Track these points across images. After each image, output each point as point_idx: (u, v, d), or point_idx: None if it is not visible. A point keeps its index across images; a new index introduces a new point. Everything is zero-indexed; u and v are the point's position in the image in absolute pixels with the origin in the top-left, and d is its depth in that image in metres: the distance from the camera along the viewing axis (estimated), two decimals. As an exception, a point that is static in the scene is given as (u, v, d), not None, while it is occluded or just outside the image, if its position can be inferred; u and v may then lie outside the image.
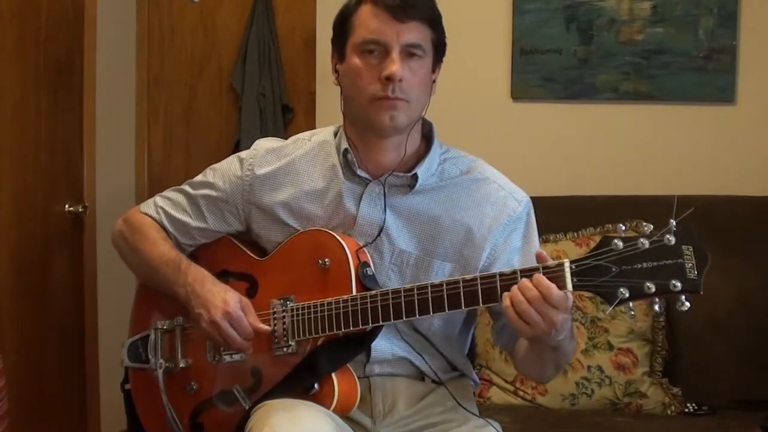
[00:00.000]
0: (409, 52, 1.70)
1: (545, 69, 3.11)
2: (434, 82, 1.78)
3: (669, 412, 2.59)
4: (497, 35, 3.14)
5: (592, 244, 2.69)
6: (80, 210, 2.97)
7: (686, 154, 3.05)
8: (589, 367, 2.62)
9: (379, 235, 1.74)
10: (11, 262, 2.68)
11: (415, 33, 1.69)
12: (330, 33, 3.31)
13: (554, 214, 2.73)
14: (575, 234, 2.78)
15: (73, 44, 3.01)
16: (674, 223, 1.48)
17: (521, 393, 2.61)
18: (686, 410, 2.59)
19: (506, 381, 2.64)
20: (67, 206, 2.94)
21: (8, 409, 2.18)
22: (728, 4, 2.97)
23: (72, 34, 3.00)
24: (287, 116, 3.59)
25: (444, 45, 1.77)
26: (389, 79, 1.68)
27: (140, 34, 3.64)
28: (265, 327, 1.73)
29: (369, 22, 1.71)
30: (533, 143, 3.16)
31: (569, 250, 2.74)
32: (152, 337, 1.88)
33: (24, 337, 2.74)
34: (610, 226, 2.77)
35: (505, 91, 3.17)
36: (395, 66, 1.68)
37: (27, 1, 2.72)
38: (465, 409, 1.79)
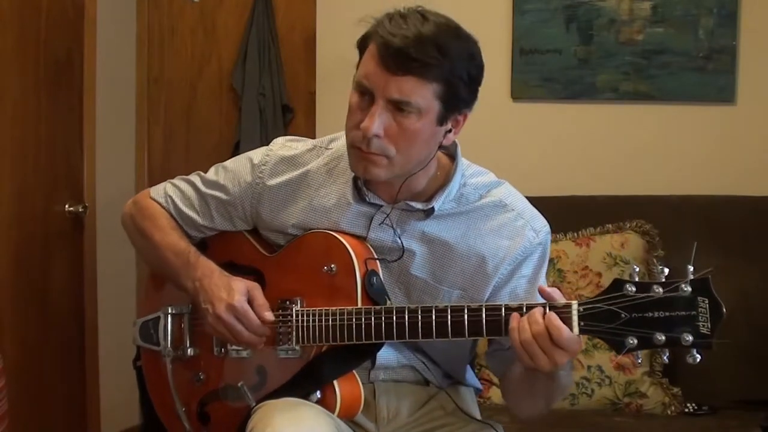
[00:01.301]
0: (397, 106, 1.58)
1: (545, 69, 3.11)
2: (450, 131, 1.66)
3: (669, 412, 2.59)
4: (497, 35, 3.14)
5: (592, 244, 2.74)
6: (80, 210, 2.97)
7: (686, 154, 3.05)
8: (589, 367, 2.62)
9: (399, 258, 1.70)
10: (11, 262, 2.68)
11: (405, 87, 1.56)
12: (329, 33, 3.31)
13: (554, 214, 2.72)
14: (575, 234, 2.78)
15: (73, 44, 3.01)
16: (692, 270, 1.42)
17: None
18: (686, 410, 2.59)
19: (506, 381, 2.65)
20: (67, 206, 2.94)
21: (8, 409, 2.18)
22: (728, 4, 2.97)
23: (72, 34, 3.00)
24: (287, 116, 3.59)
25: (463, 98, 1.62)
26: (363, 133, 1.60)
27: (140, 34, 3.64)
28: (270, 316, 1.70)
29: (367, 62, 1.61)
30: (533, 143, 3.16)
31: (569, 250, 2.74)
32: (162, 321, 1.85)
33: (24, 337, 2.74)
34: (610, 225, 2.78)
35: (505, 91, 3.17)
36: (370, 121, 1.57)
37: (27, 1, 2.72)
38: (465, 413, 1.78)
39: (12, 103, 2.67)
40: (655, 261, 2.66)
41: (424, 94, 1.57)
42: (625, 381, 2.60)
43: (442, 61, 1.56)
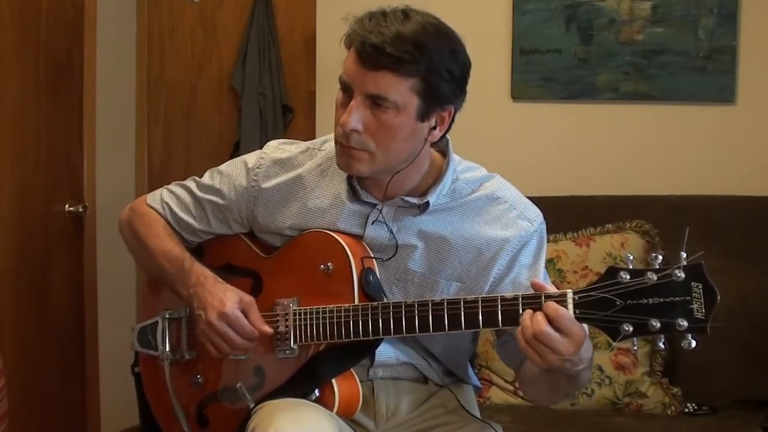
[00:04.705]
0: (374, 102, 1.60)
1: (545, 69, 3.11)
2: (435, 128, 1.66)
3: (669, 412, 2.59)
4: (497, 35, 3.14)
5: (592, 244, 2.74)
6: (80, 210, 2.97)
7: (686, 154, 3.05)
8: (589, 367, 2.61)
9: (393, 255, 1.71)
10: (11, 262, 2.68)
11: (382, 83, 1.58)
12: (329, 33, 3.31)
13: (554, 214, 2.72)
14: (575, 234, 2.78)
15: (73, 44, 3.01)
16: (685, 257, 1.43)
17: (521, 393, 2.61)
18: (686, 410, 2.59)
19: (506, 381, 2.65)
20: (67, 206, 2.94)
21: (8, 409, 2.18)
22: (728, 4, 2.97)
23: (72, 35, 3.00)
24: (287, 116, 3.59)
25: (444, 94, 1.62)
26: (342, 128, 1.62)
27: (140, 34, 3.65)
28: (267, 329, 1.71)
29: (348, 60, 1.62)
30: (533, 143, 3.16)
31: (569, 250, 2.74)
32: (159, 325, 1.86)
33: (24, 337, 2.74)
34: (610, 225, 2.78)
35: (505, 91, 3.17)
36: (347, 117, 1.60)
37: (27, 2, 2.72)
38: (467, 411, 1.78)
39: (12, 103, 2.67)
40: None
41: (400, 90, 1.59)
42: (625, 381, 2.60)
43: (417, 57, 1.57)
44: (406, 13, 1.60)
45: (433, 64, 1.59)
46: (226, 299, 1.70)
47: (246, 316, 1.71)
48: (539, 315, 1.48)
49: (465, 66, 1.66)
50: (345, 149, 1.64)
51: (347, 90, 1.63)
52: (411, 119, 1.62)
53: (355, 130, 1.61)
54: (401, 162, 1.67)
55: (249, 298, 1.73)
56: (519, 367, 1.77)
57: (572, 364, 1.51)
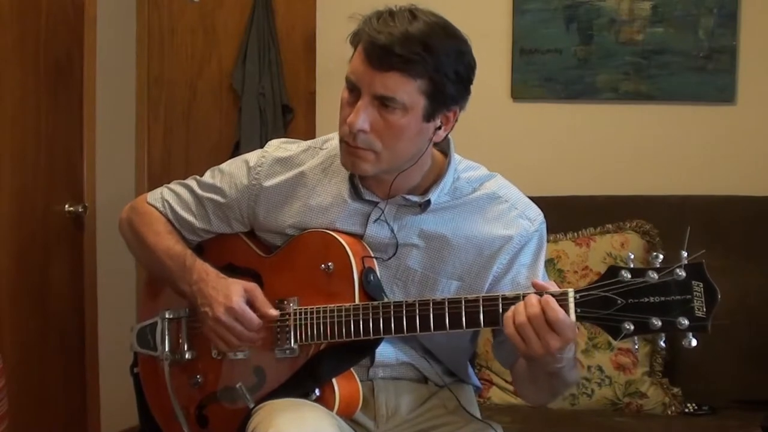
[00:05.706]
0: (382, 102, 1.60)
1: (545, 69, 3.11)
2: (440, 128, 1.67)
3: (669, 412, 2.59)
4: (497, 35, 3.14)
5: (592, 244, 2.74)
6: (80, 210, 2.97)
7: (686, 155, 3.05)
8: (589, 367, 2.62)
9: (394, 255, 1.72)
10: (11, 262, 2.68)
11: (390, 83, 1.58)
12: (329, 33, 3.31)
13: (554, 214, 2.72)
14: (575, 234, 2.78)
15: (73, 44, 3.01)
16: (686, 256, 1.44)
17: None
18: (686, 410, 2.59)
19: (506, 381, 2.64)
20: (67, 206, 2.94)
21: (8, 409, 2.18)
22: (728, 4, 2.97)
23: (72, 34, 3.00)
24: (287, 116, 3.59)
25: (450, 95, 1.63)
26: (349, 128, 1.62)
27: (140, 34, 3.64)
28: (274, 312, 1.71)
29: (355, 59, 1.62)
30: (533, 143, 3.16)
31: (569, 250, 2.74)
32: (159, 326, 1.86)
33: (24, 337, 2.74)
34: (610, 225, 2.78)
35: (505, 91, 3.17)
36: (355, 117, 1.60)
37: (27, 1, 2.72)
38: (467, 411, 1.78)
39: (12, 103, 2.67)
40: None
41: (408, 91, 1.59)
42: (625, 381, 2.60)
43: (426, 58, 1.57)
44: (413, 13, 1.61)
45: (440, 65, 1.59)
46: (231, 293, 1.70)
47: (252, 302, 1.71)
48: (534, 298, 1.49)
49: (471, 67, 1.67)
50: (351, 149, 1.65)
51: (354, 89, 1.63)
52: (417, 120, 1.63)
53: (363, 130, 1.61)
54: (406, 161, 1.68)
55: (252, 285, 1.74)
56: (512, 367, 1.77)
57: (553, 359, 1.52)
